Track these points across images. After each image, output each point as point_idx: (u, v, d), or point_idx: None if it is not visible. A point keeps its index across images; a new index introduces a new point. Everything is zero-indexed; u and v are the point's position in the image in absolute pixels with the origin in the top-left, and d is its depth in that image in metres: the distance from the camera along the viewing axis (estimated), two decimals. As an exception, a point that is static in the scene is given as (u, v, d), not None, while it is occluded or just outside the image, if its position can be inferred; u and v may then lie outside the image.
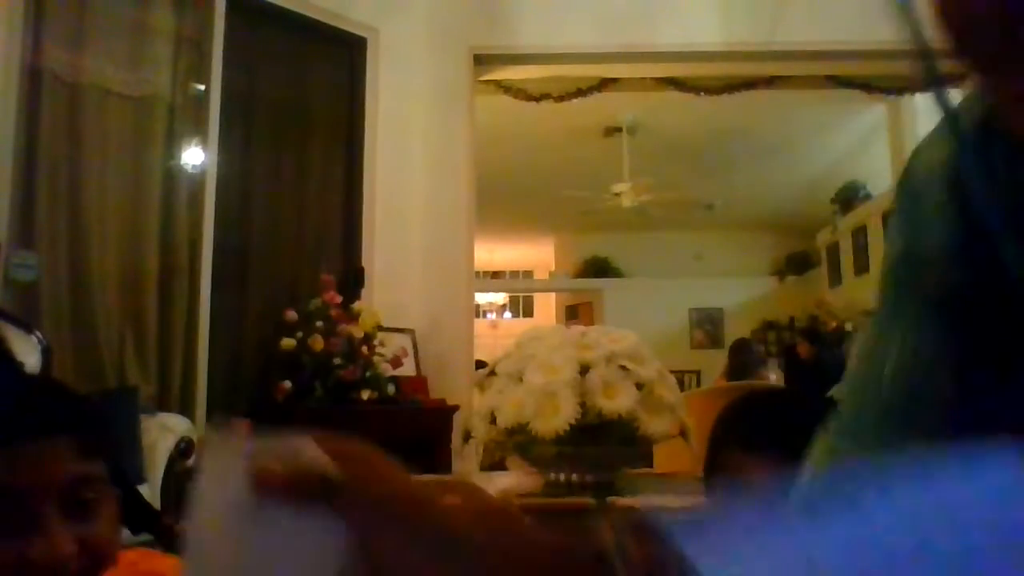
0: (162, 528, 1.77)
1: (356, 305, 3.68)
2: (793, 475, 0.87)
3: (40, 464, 0.69)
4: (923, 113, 6.29)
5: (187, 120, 3.40)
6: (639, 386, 1.68)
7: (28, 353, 2.50)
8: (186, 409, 3.22)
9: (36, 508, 0.68)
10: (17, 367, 2.00)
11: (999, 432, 0.48)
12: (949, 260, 0.52)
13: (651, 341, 1.88)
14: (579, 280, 11.45)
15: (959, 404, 0.52)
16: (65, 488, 0.69)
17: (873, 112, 6.92)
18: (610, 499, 1.71)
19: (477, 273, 5.20)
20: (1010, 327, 0.50)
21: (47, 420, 0.71)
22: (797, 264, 10.85)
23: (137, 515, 1.87)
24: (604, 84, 4.79)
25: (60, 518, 0.68)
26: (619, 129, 7.13)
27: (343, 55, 4.12)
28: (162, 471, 2.73)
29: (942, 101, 0.45)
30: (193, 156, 3.42)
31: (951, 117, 0.52)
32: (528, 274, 14.12)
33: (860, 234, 8.35)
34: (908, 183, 0.58)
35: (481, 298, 13.09)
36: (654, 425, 1.66)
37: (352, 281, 3.91)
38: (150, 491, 2.64)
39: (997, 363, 0.51)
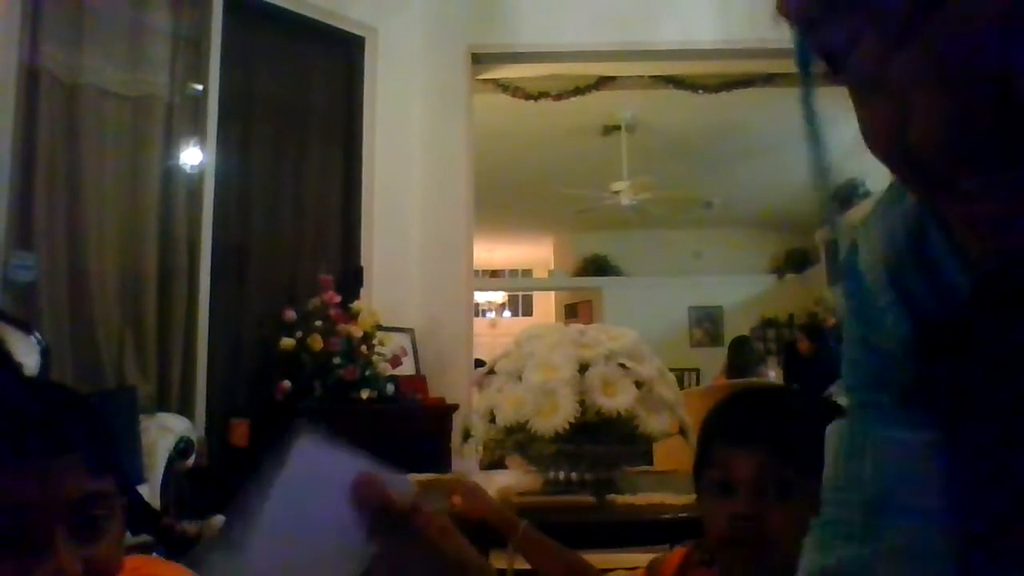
0: (162, 528, 1.76)
1: (355, 304, 3.68)
2: (779, 468, 0.86)
3: (50, 483, 0.67)
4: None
5: (185, 120, 3.40)
6: (638, 384, 1.68)
7: (27, 354, 2.50)
8: (185, 409, 3.22)
9: (44, 527, 0.66)
10: (21, 375, 1.99)
11: (993, 505, 0.50)
12: (907, 355, 0.52)
13: (650, 339, 1.88)
14: (578, 278, 11.45)
15: (945, 490, 0.52)
16: (74, 506, 0.68)
17: (871, 109, 6.92)
18: (610, 497, 1.71)
19: (476, 272, 5.20)
20: (976, 400, 0.50)
21: (58, 438, 0.69)
22: (796, 261, 10.85)
23: (137, 516, 1.87)
24: (602, 82, 4.79)
25: (67, 538, 0.67)
26: (618, 127, 7.13)
27: (341, 54, 4.12)
28: (161, 471, 2.73)
29: (835, 230, 0.46)
30: (191, 156, 3.41)
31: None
32: (527, 273, 14.11)
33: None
34: (853, 271, 0.57)
35: (480, 297, 13.09)
36: (653, 423, 1.66)
37: (351, 280, 3.91)
38: (149, 491, 2.64)
39: (974, 437, 0.51)
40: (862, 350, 0.57)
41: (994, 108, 0.34)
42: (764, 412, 0.95)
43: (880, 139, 0.40)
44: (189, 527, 2.38)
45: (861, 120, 0.42)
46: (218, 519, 2.58)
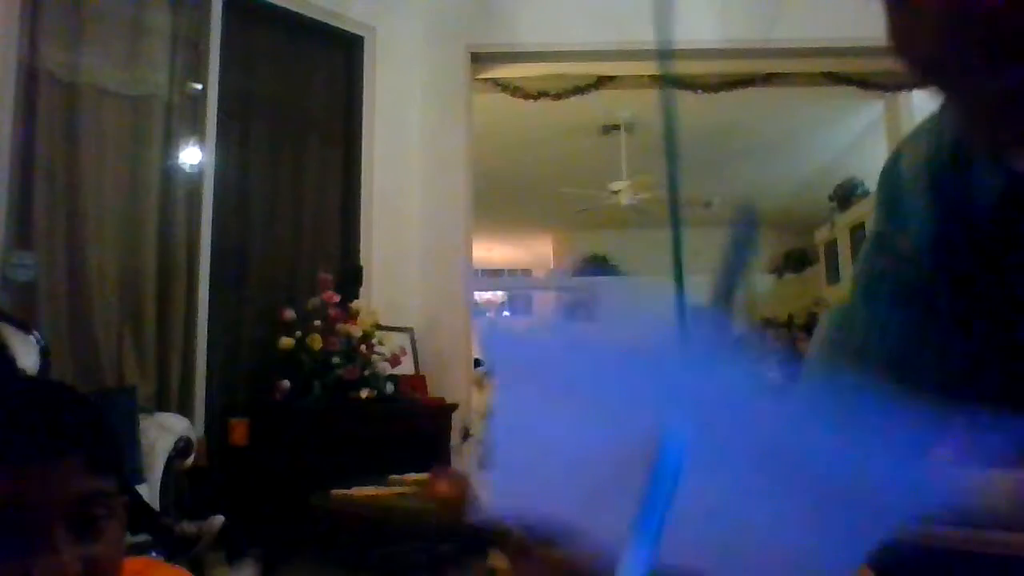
0: (160, 528, 1.75)
1: (354, 304, 3.68)
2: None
3: (50, 482, 0.67)
4: (920, 110, 6.30)
5: (184, 119, 3.40)
6: (638, 384, 1.67)
7: (26, 353, 2.50)
8: (184, 408, 3.21)
9: (44, 526, 0.66)
10: (21, 374, 1.99)
11: (969, 399, 0.52)
12: (926, 253, 0.58)
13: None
14: (578, 278, 11.44)
15: (927, 378, 0.57)
16: (75, 505, 0.68)
17: (870, 109, 6.92)
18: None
19: (476, 271, 5.19)
20: (976, 309, 0.55)
21: (58, 438, 0.70)
22: (795, 261, 10.85)
23: (136, 515, 1.87)
24: (602, 82, 4.79)
25: (67, 537, 0.67)
26: (617, 127, 7.12)
27: (340, 54, 4.12)
28: (160, 471, 2.73)
29: (667, 102, 0.49)
30: (190, 155, 3.41)
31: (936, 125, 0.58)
32: (526, 272, 14.11)
33: (858, 231, 8.34)
34: (891, 178, 0.62)
35: (480, 296, 13.08)
36: (653, 423, 1.66)
37: (350, 280, 3.90)
38: (148, 491, 2.64)
39: (965, 342, 0.55)
40: (879, 250, 0.62)
41: (985, 15, 0.40)
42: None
43: (903, 43, 0.47)
44: (188, 527, 2.38)
45: (890, 31, 0.48)
46: (217, 519, 2.58)
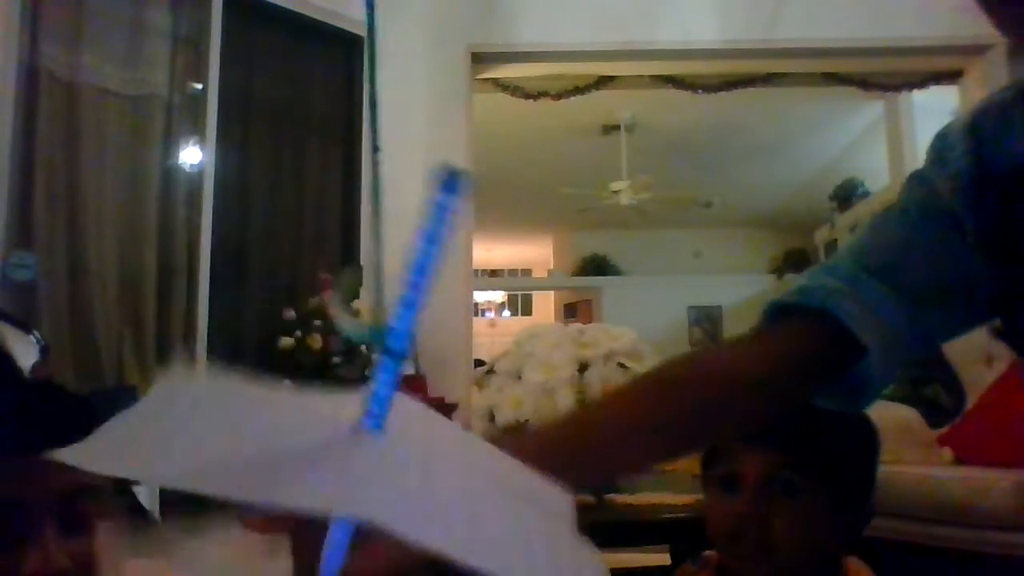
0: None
1: (354, 304, 3.68)
2: (786, 467, 0.88)
3: (41, 475, 0.67)
4: (920, 110, 6.30)
5: (185, 119, 3.40)
6: (638, 384, 1.68)
7: (26, 353, 2.50)
8: (185, 408, 3.21)
9: (34, 520, 0.66)
10: (18, 372, 1.99)
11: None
12: (955, 193, 0.66)
13: (650, 339, 1.88)
14: (578, 278, 11.45)
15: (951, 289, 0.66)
16: (65, 499, 0.68)
17: (871, 109, 6.92)
18: (609, 496, 1.71)
19: (475, 271, 5.19)
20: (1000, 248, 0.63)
21: (49, 432, 0.68)
22: (795, 261, 10.85)
23: (133, 518, 1.86)
24: (602, 82, 4.79)
25: (57, 531, 0.67)
26: (617, 127, 7.13)
27: (341, 53, 4.12)
28: (161, 470, 2.72)
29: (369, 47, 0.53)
30: (191, 155, 3.41)
31: None
32: (526, 272, 14.11)
33: (858, 231, 8.34)
34: (944, 132, 0.71)
35: (479, 296, 13.09)
36: (653, 423, 1.66)
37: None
38: (148, 491, 2.64)
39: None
40: (917, 185, 0.71)
41: None
42: None
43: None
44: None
45: None
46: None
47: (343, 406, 0.32)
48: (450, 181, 0.31)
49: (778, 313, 0.69)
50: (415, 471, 0.30)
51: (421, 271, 0.31)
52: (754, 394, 0.64)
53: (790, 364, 0.65)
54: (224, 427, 0.32)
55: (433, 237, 0.31)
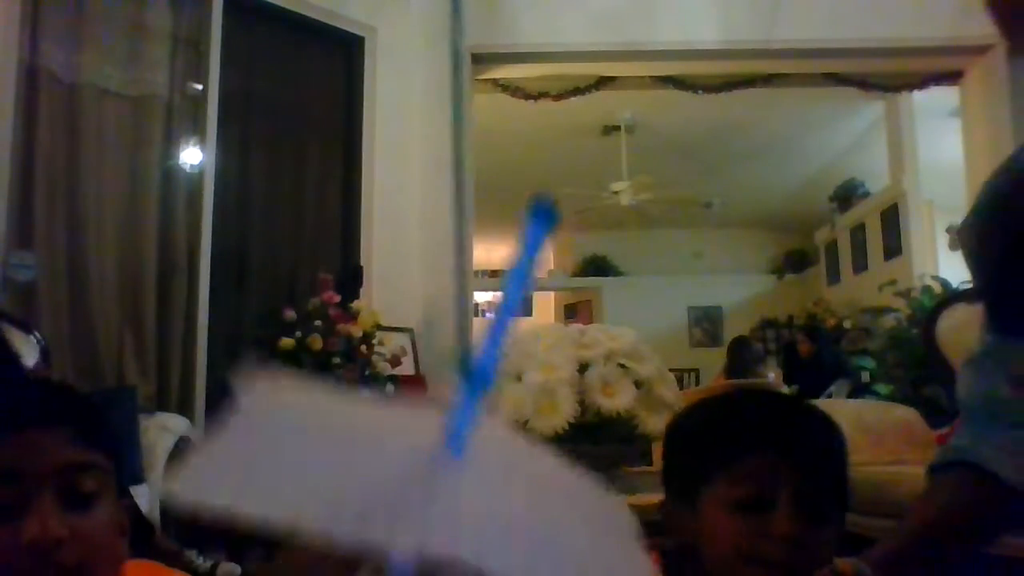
0: (154, 545, 1.69)
1: (355, 304, 3.68)
2: (818, 489, 0.87)
3: (38, 450, 0.70)
4: (920, 110, 6.30)
5: (185, 119, 3.40)
6: (638, 384, 1.68)
7: (27, 354, 2.50)
8: (185, 409, 3.21)
9: (31, 492, 0.69)
10: (19, 362, 1.99)
11: None
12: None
13: (650, 339, 1.88)
14: (578, 279, 11.44)
15: None
16: (62, 474, 0.70)
17: (871, 109, 6.92)
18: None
19: (476, 272, 5.19)
20: None
21: (46, 410, 0.74)
22: (796, 262, 10.85)
23: (137, 532, 1.84)
24: (602, 82, 4.79)
25: (54, 503, 0.69)
26: (617, 127, 7.13)
27: (341, 54, 4.12)
28: (161, 471, 2.73)
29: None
30: (191, 155, 3.41)
31: None
32: (526, 273, 14.09)
33: (858, 232, 8.34)
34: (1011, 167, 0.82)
35: (480, 297, 13.08)
36: (653, 423, 1.66)
37: (351, 280, 3.90)
38: (149, 491, 2.64)
39: None
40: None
41: None
42: (810, 424, 0.87)
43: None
44: (200, 563, 2.36)
45: None
46: (234, 569, 2.57)
47: (422, 427, 0.32)
48: (543, 212, 0.31)
49: None
50: (497, 501, 0.30)
51: (510, 308, 0.31)
52: None
53: None
54: (310, 453, 0.32)
55: (523, 273, 0.31)
